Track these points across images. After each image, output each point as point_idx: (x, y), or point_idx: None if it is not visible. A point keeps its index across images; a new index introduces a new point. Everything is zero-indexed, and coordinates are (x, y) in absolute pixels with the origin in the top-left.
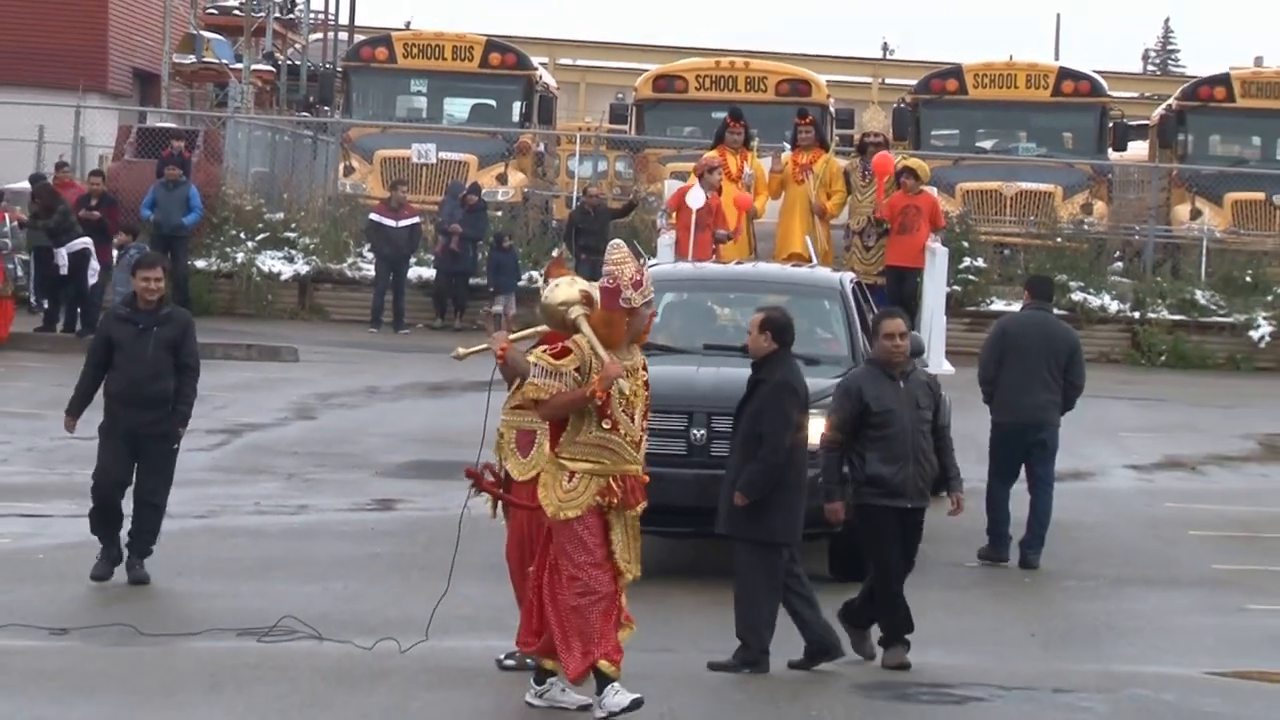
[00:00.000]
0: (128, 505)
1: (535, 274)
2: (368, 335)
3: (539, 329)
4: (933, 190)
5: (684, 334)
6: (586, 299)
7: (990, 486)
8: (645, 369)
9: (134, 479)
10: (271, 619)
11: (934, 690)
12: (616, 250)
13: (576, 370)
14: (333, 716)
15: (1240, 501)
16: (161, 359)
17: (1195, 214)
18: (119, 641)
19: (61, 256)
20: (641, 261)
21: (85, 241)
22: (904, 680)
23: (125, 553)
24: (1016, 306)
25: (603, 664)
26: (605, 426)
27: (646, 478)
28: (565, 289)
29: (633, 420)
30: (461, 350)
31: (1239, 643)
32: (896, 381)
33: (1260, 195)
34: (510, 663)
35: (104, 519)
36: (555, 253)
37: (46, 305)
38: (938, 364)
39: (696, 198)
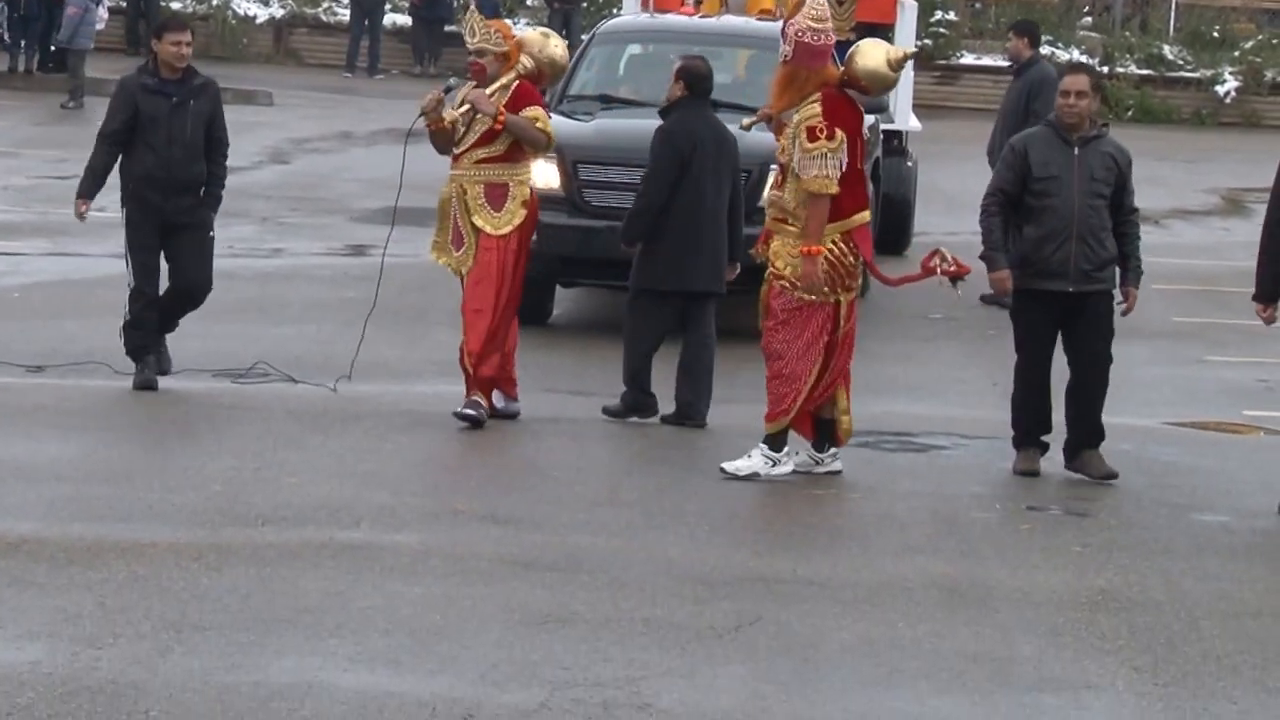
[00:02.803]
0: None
1: (510, 21)
2: (342, 80)
3: (505, 82)
4: None
5: (647, 87)
6: None
7: None
8: None
9: (169, 268)
10: (246, 361)
11: (898, 438)
12: (821, 7)
13: None
14: (307, 456)
15: (1202, 255)
16: (198, 137)
17: None
18: (95, 379)
19: None
20: None
21: None
22: (869, 429)
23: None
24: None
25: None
26: None
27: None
28: (878, 51)
29: None
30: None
31: (1197, 393)
32: (1071, 147)
33: None
34: (470, 412)
35: (146, 333)
36: (474, 8)
37: (24, 44)
38: (905, 119)
39: None
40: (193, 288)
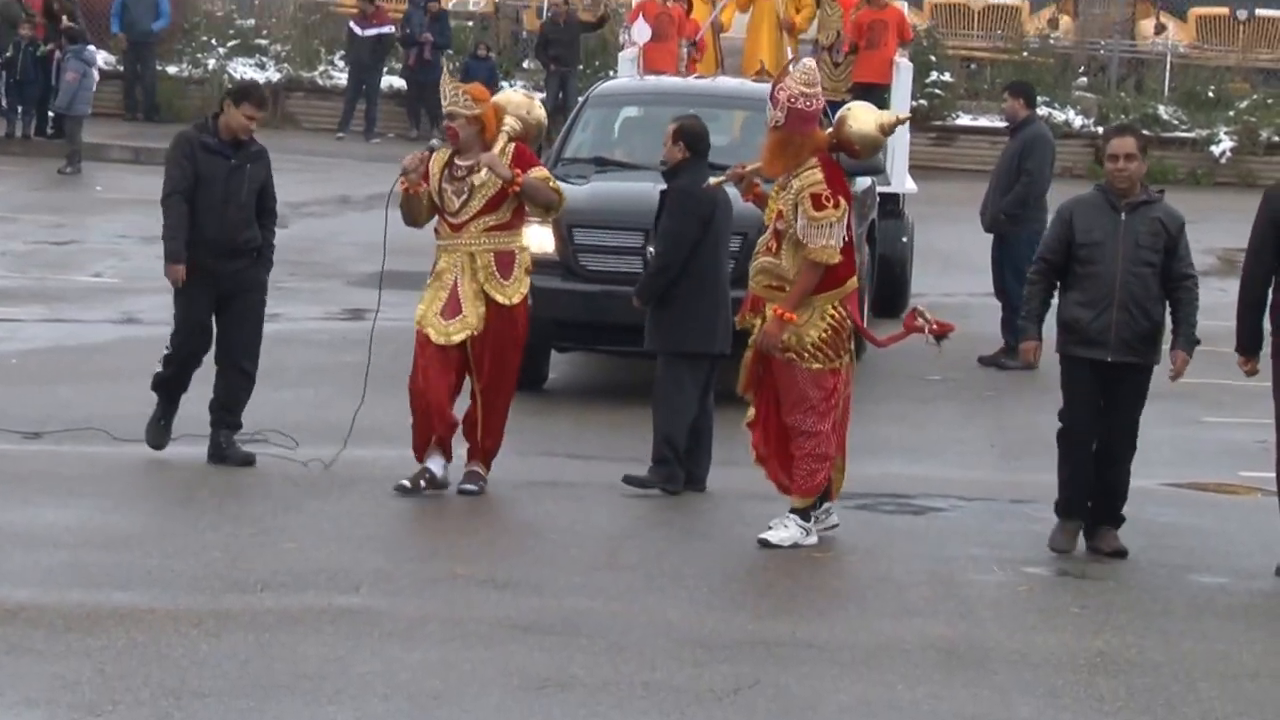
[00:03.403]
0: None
1: (507, 84)
2: (339, 144)
3: (502, 146)
4: (901, 3)
5: (642, 149)
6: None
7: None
8: None
9: (218, 340)
10: (247, 425)
11: (895, 500)
12: (812, 72)
13: None
14: (306, 521)
15: (1199, 315)
16: (251, 201)
17: (1160, 29)
18: (92, 446)
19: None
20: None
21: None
22: (867, 491)
23: (211, 432)
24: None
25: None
26: None
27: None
28: (870, 116)
29: None
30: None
31: (1195, 454)
32: (1118, 213)
33: (1224, 10)
34: (471, 487)
35: (177, 386)
36: (446, 71)
37: (21, 109)
38: (901, 181)
39: (641, 32)
40: (236, 356)
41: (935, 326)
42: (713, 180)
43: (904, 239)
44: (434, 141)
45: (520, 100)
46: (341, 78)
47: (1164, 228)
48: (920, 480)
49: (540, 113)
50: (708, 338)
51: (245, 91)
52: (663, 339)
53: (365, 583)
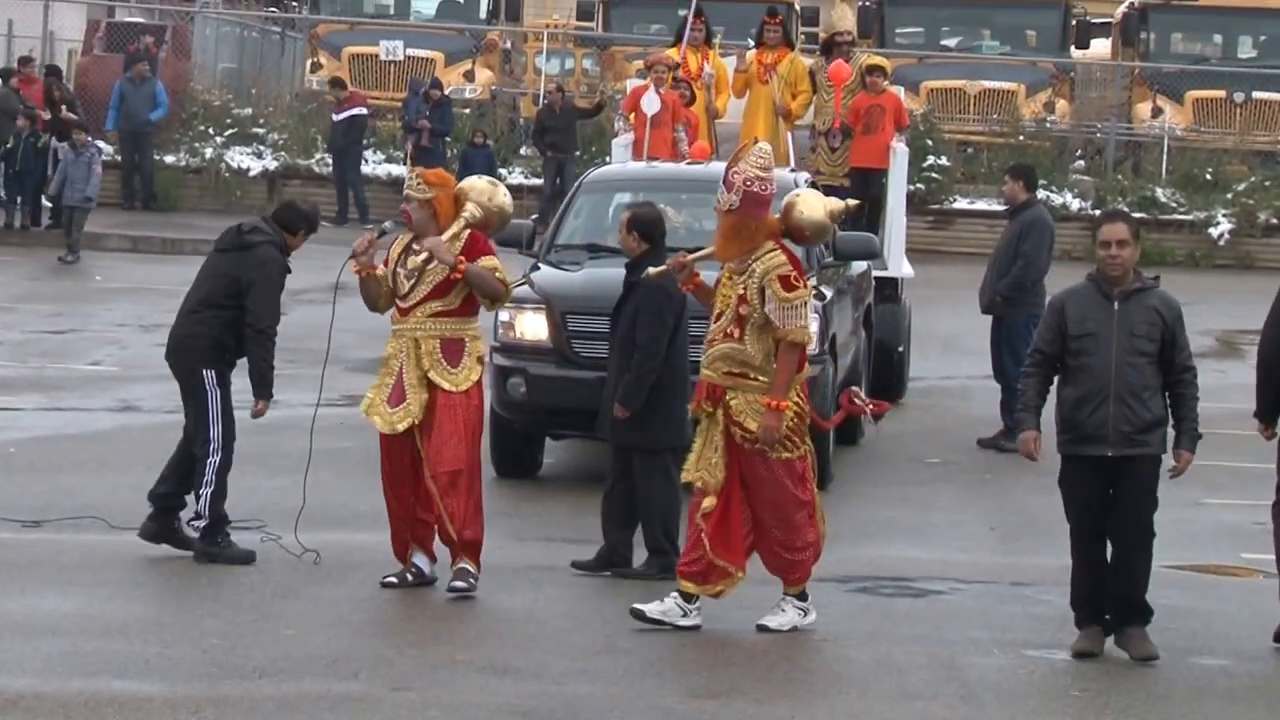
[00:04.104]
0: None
1: (505, 171)
2: (335, 231)
3: (456, 231)
4: (898, 90)
5: None
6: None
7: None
8: None
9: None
10: (243, 512)
11: (896, 583)
12: (767, 156)
13: None
14: (304, 607)
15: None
16: None
17: (1156, 112)
18: (91, 534)
19: (63, 150)
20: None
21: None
22: (866, 574)
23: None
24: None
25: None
26: None
27: None
28: (819, 203)
29: None
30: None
31: (1195, 536)
32: (1111, 302)
33: (1221, 93)
34: (460, 585)
35: (224, 493)
36: (411, 159)
37: (20, 200)
38: (898, 266)
39: (651, 102)
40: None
41: (872, 406)
42: (652, 270)
43: (904, 311)
44: (386, 224)
45: (484, 187)
46: None
47: (1161, 317)
48: (920, 563)
49: (503, 200)
50: (684, 428)
51: (315, 224)
52: (650, 435)
53: (364, 669)
